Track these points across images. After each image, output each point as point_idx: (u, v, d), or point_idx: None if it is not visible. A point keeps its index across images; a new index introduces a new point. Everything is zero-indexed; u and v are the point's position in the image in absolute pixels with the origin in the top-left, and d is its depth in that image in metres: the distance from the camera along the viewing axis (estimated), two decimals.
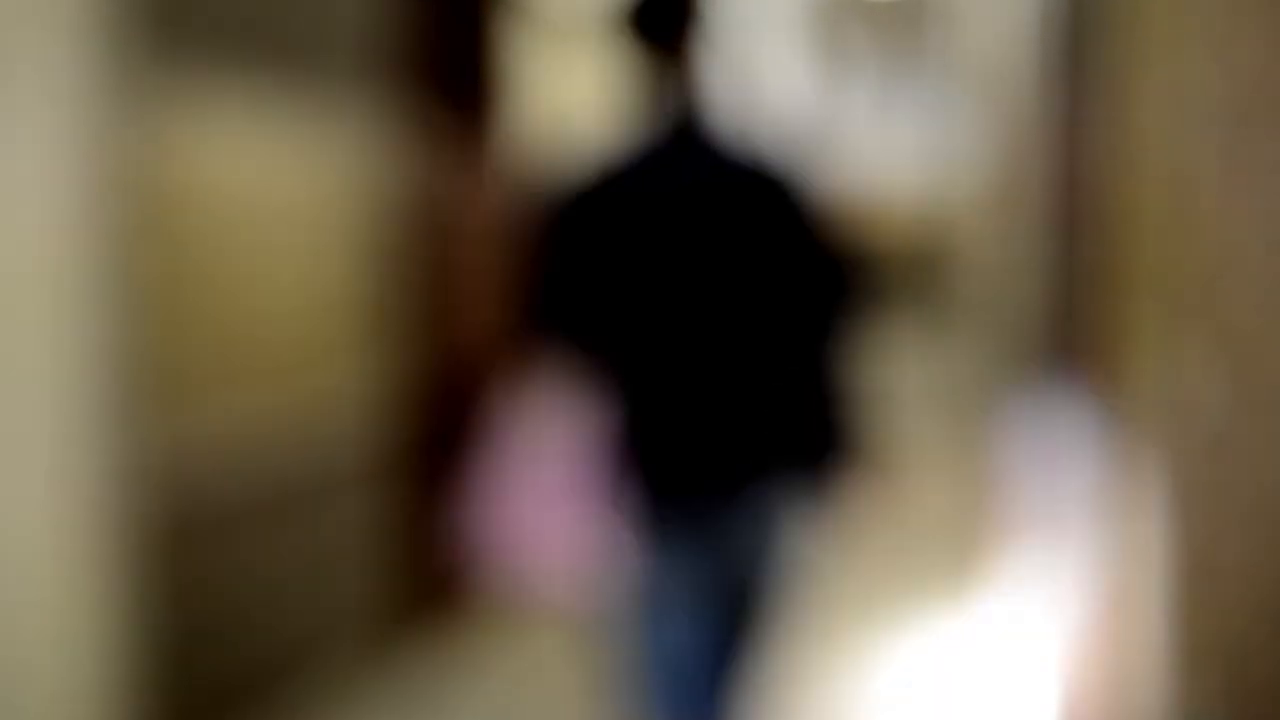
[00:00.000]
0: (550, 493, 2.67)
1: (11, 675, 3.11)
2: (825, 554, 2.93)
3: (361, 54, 4.44)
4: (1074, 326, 3.46)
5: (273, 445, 4.06)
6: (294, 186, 4.08)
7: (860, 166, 17.82)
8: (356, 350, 4.51)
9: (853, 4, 17.16)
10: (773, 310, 2.79)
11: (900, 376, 14.71)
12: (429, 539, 5.08)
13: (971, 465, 9.15)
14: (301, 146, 4.09)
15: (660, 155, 2.79)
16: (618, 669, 2.83)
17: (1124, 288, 3.33)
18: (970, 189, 15.95)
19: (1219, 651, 2.58)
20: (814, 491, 2.81)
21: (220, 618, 3.82)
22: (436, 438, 5.02)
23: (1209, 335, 2.58)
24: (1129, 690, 3.20)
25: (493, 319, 5.50)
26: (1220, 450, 2.57)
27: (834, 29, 18.87)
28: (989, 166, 13.01)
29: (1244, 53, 2.49)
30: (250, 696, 3.96)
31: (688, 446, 2.75)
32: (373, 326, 4.59)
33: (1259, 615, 2.55)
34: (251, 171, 3.87)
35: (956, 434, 10.77)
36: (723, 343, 2.76)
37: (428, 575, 5.12)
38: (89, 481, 3.21)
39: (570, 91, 7.13)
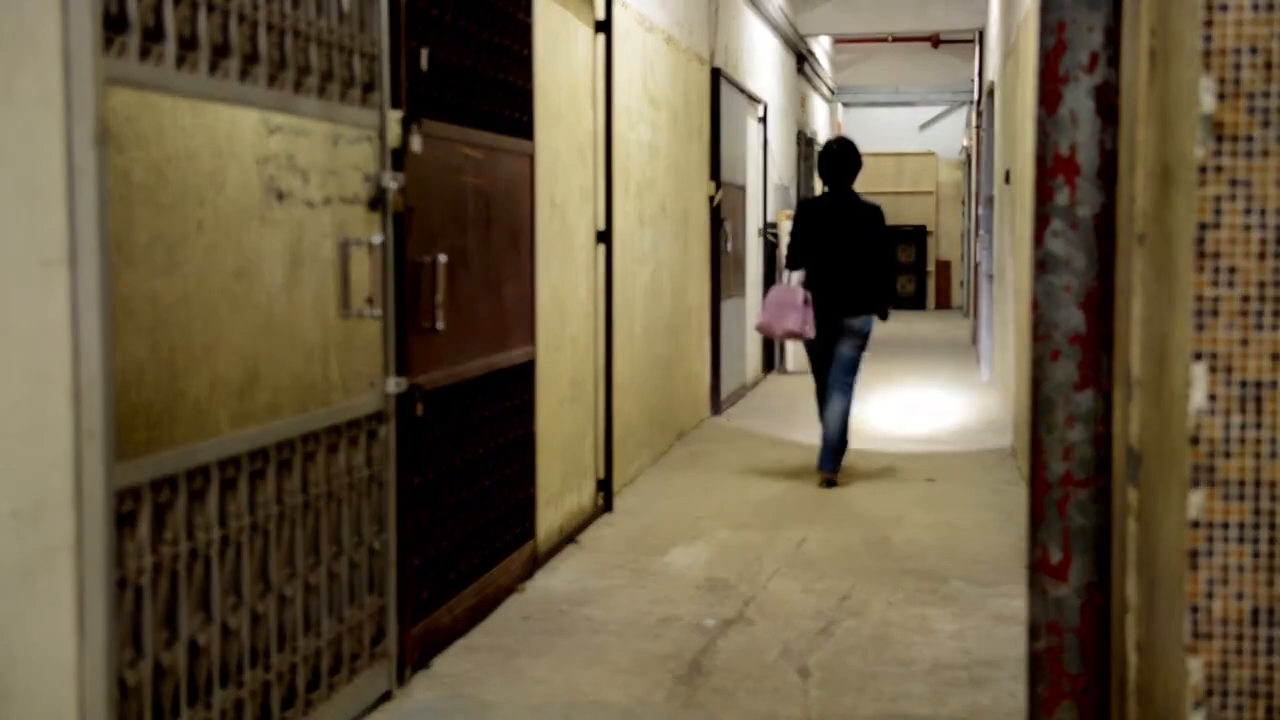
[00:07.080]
0: (789, 307, 8.97)
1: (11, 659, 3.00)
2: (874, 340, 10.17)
3: (374, 73, 4.65)
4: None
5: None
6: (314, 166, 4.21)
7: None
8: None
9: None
10: (863, 258, 9.04)
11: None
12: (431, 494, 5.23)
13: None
14: (314, 141, 4.23)
15: (830, 200, 9.23)
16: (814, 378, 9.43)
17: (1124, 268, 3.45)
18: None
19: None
20: (872, 317, 9.09)
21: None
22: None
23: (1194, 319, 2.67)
24: None
25: (487, 304, 5.68)
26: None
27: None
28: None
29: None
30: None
31: (832, 299, 9.03)
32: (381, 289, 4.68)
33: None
34: (277, 150, 3.99)
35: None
36: (846, 267, 9.04)
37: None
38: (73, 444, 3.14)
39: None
